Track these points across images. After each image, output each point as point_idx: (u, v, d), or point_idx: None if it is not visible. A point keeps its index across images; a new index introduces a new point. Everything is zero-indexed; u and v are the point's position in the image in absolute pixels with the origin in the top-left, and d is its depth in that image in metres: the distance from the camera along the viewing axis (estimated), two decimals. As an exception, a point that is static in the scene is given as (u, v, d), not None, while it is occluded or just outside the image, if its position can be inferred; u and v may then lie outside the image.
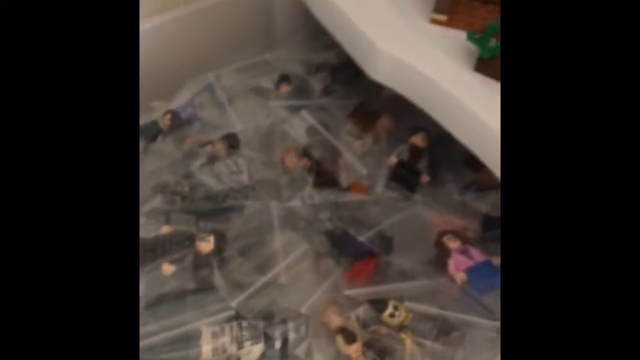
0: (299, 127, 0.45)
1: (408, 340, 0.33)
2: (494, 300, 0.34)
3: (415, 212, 0.40)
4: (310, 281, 0.37)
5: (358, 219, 0.39)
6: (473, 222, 0.40)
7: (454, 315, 0.34)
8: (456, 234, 0.37)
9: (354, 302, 0.36)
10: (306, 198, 0.41)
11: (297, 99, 0.48)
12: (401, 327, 0.34)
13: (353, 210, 0.40)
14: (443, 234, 0.38)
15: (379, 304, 0.35)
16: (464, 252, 0.36)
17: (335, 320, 0.35)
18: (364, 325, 0.35)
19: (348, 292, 0.36)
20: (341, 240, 0.39)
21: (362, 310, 0.35)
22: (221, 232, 0.38)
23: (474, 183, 0.42)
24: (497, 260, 0.36)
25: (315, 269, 0.38)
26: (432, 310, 0.34)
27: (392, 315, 0.34)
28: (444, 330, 0.34)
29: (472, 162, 0.43)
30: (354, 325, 0.35)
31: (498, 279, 0.34)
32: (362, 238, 0.38)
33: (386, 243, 0.38)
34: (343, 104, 0.47)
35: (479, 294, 0.34)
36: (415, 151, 0.43)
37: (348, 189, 0.41)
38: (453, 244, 0.37)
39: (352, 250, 0.38)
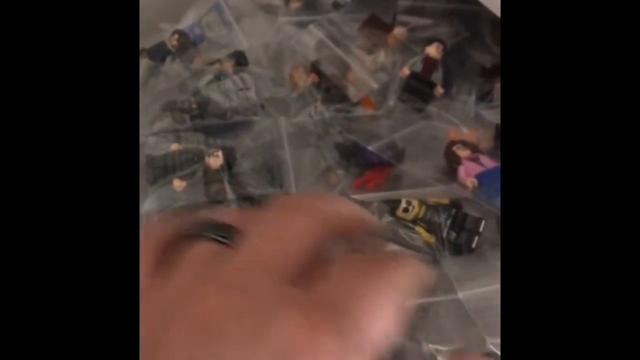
0: (307, 42, 0.44)
1: (424, 232, 0.33)
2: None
3: (428, 124, 0.39)
4: (320, 192, 0.37)
5: (368, 132, 0.39)
6: (487, 133, 0.39)
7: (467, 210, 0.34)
8: (466, 143, 0.37)
9: (364, 205, 0.36)
10: (315, 114, 0.40)
11: (307, 15, 0.47)
12: (415, 221, 0.34)
13: (363, 124, 0.39)
14: (452, 144, 0.37)
15: (391, 201, 0.34)
16: (474, 160, 0.35)
17: None
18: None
19: (355, 196, 0.36)
20: (351, 151, 0.38)
21: (375, 208, 0.34)
22: (230, 147, 0.38)
23: (488, 93, 0.40)
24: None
25: (325, 181, 0.38)
26: (445, 200, 0.34)
27: (406, 210, 0.33)
28: (459, 220, 0.33)
29: (488, 72, 0.41)
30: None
31: None
32: (371, 147, 0.37)
33: (397, 153, 0.38)
34: (353, 17, 0.45)
35: (491, 197, 0.34)
36: (429, 62, 0.42)
37: (357, 103, 0.41)
38: (463, 152, 0.36)
39: (362, 161, 0.38)
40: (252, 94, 0.41)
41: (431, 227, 0.33)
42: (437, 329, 0.31)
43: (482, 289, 0.32)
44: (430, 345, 0.31)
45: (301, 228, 0.18)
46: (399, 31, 0.43)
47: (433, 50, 0.42)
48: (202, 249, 0.18)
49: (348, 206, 0.20)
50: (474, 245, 0.33)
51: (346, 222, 0.20)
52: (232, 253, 0.17)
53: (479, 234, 0.33)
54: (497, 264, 0.32)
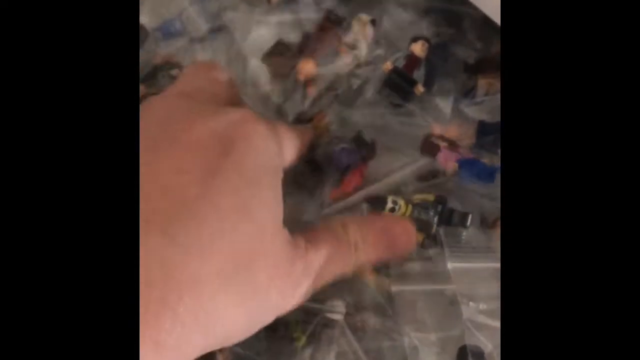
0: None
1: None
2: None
3: (405, 120, 0.39)
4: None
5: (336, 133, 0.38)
6: (469, 129, 0.39)
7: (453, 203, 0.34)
8: (443, 137, 0.36)
9: (351, 210, 0.35)
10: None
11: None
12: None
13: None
14: (430, 136, 0.37)
15: (377, 201, 0.34)
16: (453, 150, 0.35)
17: None
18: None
19: (339, 204, 0.35)
20: (319, 161, 0.36)
21: (363, 210, 0.34)
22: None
23: (471, 90, 0.41)
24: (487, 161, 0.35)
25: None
26: (430, 197, 0.34)
27: (392, 210, 0.33)
28: (445, 216, 0.33)
29: (470, 68, 0.42)
30: None
31: (489, 171, 0.34)
32: (337, 148, 0.36)
33: (367, 147, 0.37)
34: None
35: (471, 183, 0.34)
36: (412, 59, 0.42)
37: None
38: (441, 143, 0.36)
39: (334, 167, 0.36)
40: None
41: (418, 225, 0.33)
42: (421, 319, 0.31)
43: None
44: (412, 334, 0.31)
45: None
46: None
47: (418, 49, 0.42)
48: None
49: None
50: (462, 240, 0.33)
51: None
52: None
53: (466, 228, 0.33)
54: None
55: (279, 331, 0.34)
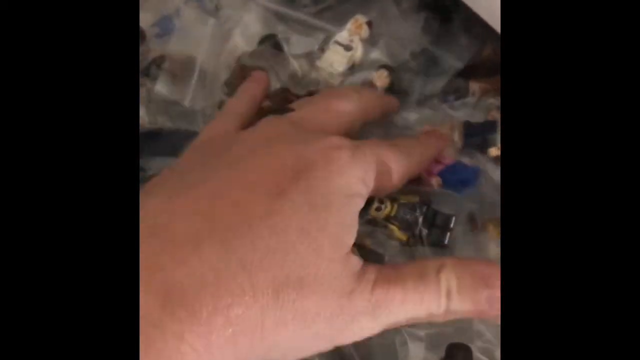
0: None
1: (396, 230, 0.33)
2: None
3: (389, 123, 0.39)
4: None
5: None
6: (457, 129, 0.39)
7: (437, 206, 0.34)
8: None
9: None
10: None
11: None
12: (387, 219, 0.33)
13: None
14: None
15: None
16: (435, 161, 0.35)
17: None
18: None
19: None
20: None
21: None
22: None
23: (457, 91, 0.41)
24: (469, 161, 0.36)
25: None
26: (415, 198, 0.34)
27: (378, 209, 0.33)
28: (429, 217, 0.33)
29: (460, 71, 0.42)
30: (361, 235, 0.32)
31: (471, 174, 0.34)
32: None
33: None
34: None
35: (457, 192, 0.34)
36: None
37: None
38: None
39: None
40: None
41: (403, 225, 0.33)
42: None
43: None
44: (402, 330, 0.31)
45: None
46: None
47: (379, 80, 0.40)
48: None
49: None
50: (446, 242, 0.33)
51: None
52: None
53: (450, 230, 0.33)
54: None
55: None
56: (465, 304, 0.25)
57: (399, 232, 0.33)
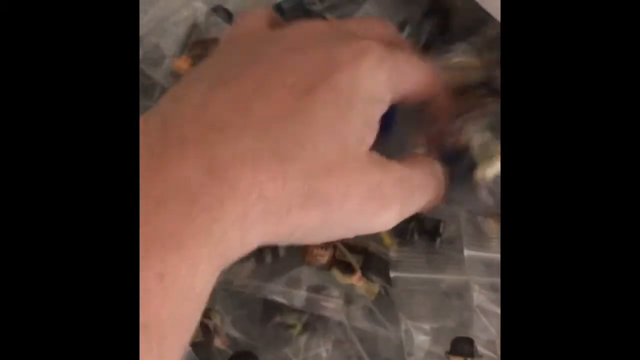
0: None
1: (386, 237, 0.33)
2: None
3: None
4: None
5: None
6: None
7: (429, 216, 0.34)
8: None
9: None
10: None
11: None
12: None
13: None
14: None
15: None
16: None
17: (324, 255, 0.34)
18: (350, 248, 0.34)
19: None
20: None
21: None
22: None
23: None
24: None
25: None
26: None
27: None
28: (419, 222, 0.33)
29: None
30: (345, 253, 0.34)
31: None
32: None
33: None
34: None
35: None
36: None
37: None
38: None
39: None
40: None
41: (394, 231, 0.33)
42: (417, 306, 0.32)
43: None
44: (409, 322, 0.32)
45: None
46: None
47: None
48: None
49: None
50: (437, 246, 0.33)
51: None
52: None
53: (439, 235, 0.34)
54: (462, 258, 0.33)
55: (274, 318, 0.35)
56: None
57: (389, 239, 0.33)
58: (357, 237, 0.28)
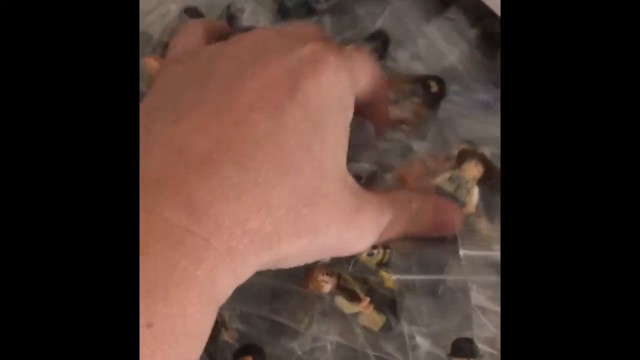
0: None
1: (387, 277, 0.32)
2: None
3: None
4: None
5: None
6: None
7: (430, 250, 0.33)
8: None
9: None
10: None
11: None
12: (380, 265, 0.32)
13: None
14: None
15: None
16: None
17: (328, 282, 0.33)
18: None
19: None
20: None
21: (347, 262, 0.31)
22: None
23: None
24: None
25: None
26: (408, 244, 0.32)
27: (370, 255, 0.31)
28: (424, 263, 0.32)
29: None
30: (350, 281, 0.32)
31: None
32: None
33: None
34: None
35: None
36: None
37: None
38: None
39: None
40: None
41: (396, 271, 0.32)
42: (417, 309, 0.32)
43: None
44: (410, 327, 0.32)
45: None
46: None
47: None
48: None
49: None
50: (440, 292, 0.33)
51: None
52: None
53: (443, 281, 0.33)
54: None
55: (282, 313, 0.36)
56: (422, 228, 0.30)
57: (389, 280, 0.32)
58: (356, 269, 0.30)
